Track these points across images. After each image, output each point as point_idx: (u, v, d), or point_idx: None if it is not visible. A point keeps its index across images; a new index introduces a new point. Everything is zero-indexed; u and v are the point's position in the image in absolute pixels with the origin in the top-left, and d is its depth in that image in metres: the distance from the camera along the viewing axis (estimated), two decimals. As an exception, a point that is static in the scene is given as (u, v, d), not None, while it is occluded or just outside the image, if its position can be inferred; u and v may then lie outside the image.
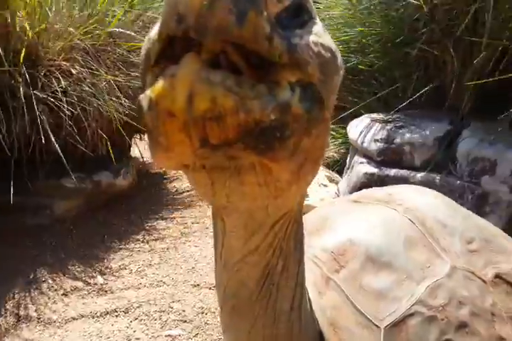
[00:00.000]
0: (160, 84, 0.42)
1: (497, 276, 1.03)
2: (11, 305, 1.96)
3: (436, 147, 2.00)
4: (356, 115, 2.45)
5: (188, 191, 3.11)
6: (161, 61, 0.47)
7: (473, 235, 1.09)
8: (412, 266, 0.99)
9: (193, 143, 0.43)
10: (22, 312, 1.92)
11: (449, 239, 1.07)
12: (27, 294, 2.03)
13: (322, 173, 2.41)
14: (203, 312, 1.90)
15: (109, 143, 2.41)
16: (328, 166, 2.67)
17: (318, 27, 0.50)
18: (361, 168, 2.07)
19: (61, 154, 2.16)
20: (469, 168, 1.89)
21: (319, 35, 0.49)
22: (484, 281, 1.01)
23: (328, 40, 0.51)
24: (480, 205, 1.85)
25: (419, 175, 1.96)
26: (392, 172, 1.99)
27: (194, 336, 1.80)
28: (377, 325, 0.90)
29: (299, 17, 0.48)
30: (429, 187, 1.96)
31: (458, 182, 1.91)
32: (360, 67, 2.43)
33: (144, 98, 0.45)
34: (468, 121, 2.05)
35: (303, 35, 0.47)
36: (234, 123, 0.42)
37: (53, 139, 2.16)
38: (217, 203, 0.63)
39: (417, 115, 2.13)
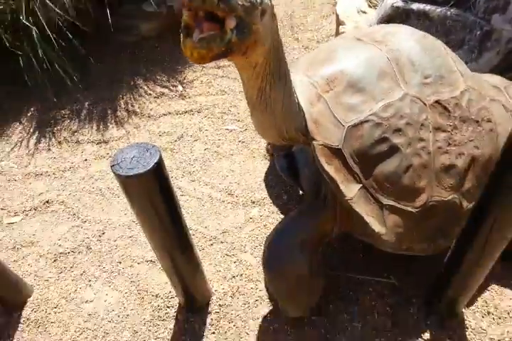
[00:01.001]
0: (183, 46, 0.99)
1: (436, 101, 1.46)
2: (122, 103, 2.83)
3: (462, -19, 2.12)
4: None
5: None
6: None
7: (431, 72, 1.48)
8: (378, 91, 1.43)
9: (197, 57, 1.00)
10: (130, 108, 2.79)
11: (413, 74, 1.47)
12: (131, 96, 2.86)
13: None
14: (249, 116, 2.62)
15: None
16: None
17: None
18: (390, 0, 2.29)
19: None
20: (485, 5, 2.05)
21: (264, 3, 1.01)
22: (425, 104, 1.45)
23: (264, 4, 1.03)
24: (483, 41, 2.09)
25: (439, 10, 2.16)
26: (415, 6, 2.21)
27: (244, 130, 2.58)
28: (343, 125, 1.41)
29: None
30: (444, 22, 2.22)
31: (472, 18, 2.10)
32: None
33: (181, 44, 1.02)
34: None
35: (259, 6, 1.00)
36: (210, 55, 0.98)
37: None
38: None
39: None
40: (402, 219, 1.45)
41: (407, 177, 1.42)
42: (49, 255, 2.05)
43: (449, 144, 1.46)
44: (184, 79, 2.93)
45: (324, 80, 1.47)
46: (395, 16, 2.29)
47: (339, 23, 2.61)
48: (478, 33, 2.11)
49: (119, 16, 2.95)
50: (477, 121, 1.51)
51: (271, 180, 2.30)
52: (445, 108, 1.46)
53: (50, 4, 2.61)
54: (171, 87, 2.89)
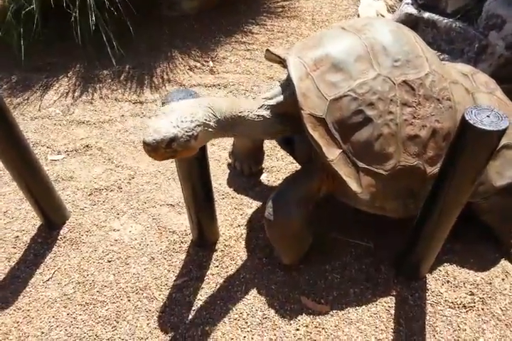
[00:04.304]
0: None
1: (404, 81, 1.70)
2: (158, 70, 3.16)
3: (470, -1, 2.45)
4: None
5: (282, 0, 3.77)
6: None
7: (400, 57, 1.72)
8: (355, 71, 1.68)
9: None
10: (165, 76, 3.13)
11: (385, 58, 1.71)
12: (167, 65, 3.19)
13: (383, 3, 2.94)
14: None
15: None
16: (398, -4, 3.13)
17: (178, 138, 1.39)
18: (406, 7, 2.60)
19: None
20: (485, 22, 2.37)
21: (178, 141, 1.40)
22: (394, 83, 1.69)
23: (182, 142, 1.41)
24: (479, 53, 2.43)
25: (445, 21, 2.49)
26: (426, 15, 2.54)
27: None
28: (326, 98, 1.68)
29: (170, 141, 1.38)
30: (449, 32, 2.55)
31: (473, 32, 2.45)
32: None
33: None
34: (509, -20, 2.39)
35: (174, 143, 1.38)
36: (161, 158, 1.43)
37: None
38: None
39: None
40: (374, 180, 1.71)
41: (378, 144, 1.66)
42: (85, 189, 2.41)
43: (414, 117, 1.70)
44: (216, 56, 3.27)
45: (312, 61, 1.72)
46: (407, 22, 2.61)
47: (360, 23, 2.94)
48: (477, 45, 2.44)
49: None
50: (438, 99, 1.74)
51: (278, 152, 2.65)
52: (411, 87, 1.70)
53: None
54: (203, 62, 3.22)
